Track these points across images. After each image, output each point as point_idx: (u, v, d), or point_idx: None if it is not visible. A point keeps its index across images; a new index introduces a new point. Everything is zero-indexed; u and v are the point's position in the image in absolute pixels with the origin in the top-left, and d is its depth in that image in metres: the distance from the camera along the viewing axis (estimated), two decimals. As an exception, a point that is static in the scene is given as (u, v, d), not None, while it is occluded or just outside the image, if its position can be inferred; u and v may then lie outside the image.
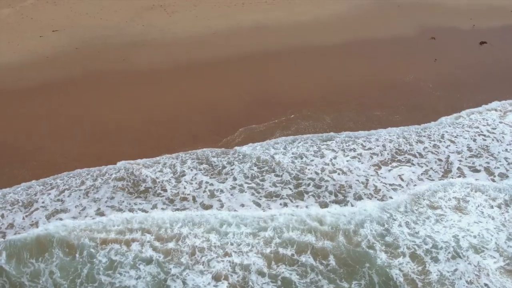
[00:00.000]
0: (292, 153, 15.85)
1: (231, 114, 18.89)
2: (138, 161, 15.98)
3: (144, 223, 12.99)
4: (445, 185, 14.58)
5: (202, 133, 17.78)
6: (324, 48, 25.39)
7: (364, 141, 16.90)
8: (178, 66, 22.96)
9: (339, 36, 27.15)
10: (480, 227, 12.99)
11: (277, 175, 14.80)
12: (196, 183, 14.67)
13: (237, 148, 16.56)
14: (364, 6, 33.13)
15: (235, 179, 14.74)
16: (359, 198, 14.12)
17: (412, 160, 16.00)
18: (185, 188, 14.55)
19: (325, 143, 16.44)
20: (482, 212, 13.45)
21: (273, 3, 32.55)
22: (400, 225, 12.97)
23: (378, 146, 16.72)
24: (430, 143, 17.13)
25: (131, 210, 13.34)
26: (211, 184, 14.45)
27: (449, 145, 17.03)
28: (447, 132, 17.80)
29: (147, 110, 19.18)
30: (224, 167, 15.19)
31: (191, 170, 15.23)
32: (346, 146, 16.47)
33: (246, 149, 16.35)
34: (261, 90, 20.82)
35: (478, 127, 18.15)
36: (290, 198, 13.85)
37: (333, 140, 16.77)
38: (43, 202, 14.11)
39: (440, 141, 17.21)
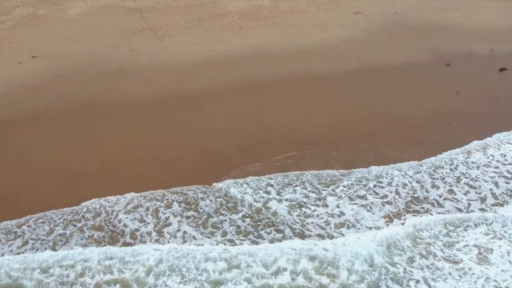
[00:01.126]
0: (291, 200, 15.68)
1: (226, 152, 18.86)
2: (119, 205, 15.82)
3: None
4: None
5: (192, 174, 17.71)
6: (329, 76, 25.65)
7: (375, 185, 16.79)
8: (168, 97, 23.05)
9: (346, 63, 27.48)
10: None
11: (277, 230, 14.50)
12: (180, 236, 14.40)
13: (230, 191, 16.44)
14: (371, 28, 33.76)
15: (225, 233, 14.50)
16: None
17: (431, 210, 15.84)
18: (169, 241, 14.28)
19: (327, 188, 16.29)
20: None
21: (273, 26, 33.14)
22: None
23: (391, 192, 16.58)
24: (445, 187, 17.03)
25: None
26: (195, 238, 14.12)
27: (468, 191, 16.93)
28: (464, 174, 17.73)
29: (132, 148, 19.14)
30: (211, 216, 14.99)
31: (175, 216, 15.03)
32: (353, 191, 16.35)
33: (238, 193, 16.22)
34: (260, 124, 20.85)
35: (498, 167, 18.12)
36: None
37: (339, 184, 16.66)
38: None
39: (457, 185, 17.11)
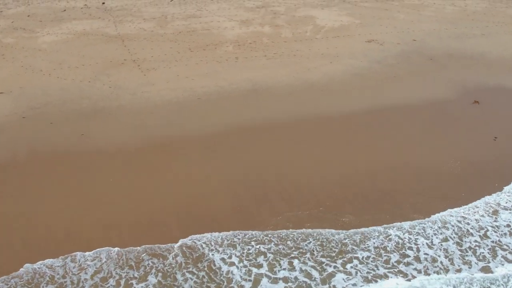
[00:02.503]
0: (288, 280, 14.87)
1: (217, 214, 18.29)
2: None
3: None
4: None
5: (173, 241, 17.05)
6: (340, 118, 25.35)
7: (398, 261, 16.09)
8: (151, 143, 22.67)
9: (358, 101, 27.28)
10: None
11: None
12: None
13: (215, 260, 15.78)
14: (388, 59, 33.84)
15: None
16: None
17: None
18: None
19: (334, 263, 15.56)
20: None
21: (275, 57, 33.23)
22: None
23: (418, 271, 15.90)
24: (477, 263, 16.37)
25: None
26: None
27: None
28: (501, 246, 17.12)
29: (105, 208, 18.59)
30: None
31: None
32: (370, 268, 15.61)
33: (224, 264, 15.56)
34: (259, 178, 20.36)
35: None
36: None
37: (351, 255, 16.00)
38: None
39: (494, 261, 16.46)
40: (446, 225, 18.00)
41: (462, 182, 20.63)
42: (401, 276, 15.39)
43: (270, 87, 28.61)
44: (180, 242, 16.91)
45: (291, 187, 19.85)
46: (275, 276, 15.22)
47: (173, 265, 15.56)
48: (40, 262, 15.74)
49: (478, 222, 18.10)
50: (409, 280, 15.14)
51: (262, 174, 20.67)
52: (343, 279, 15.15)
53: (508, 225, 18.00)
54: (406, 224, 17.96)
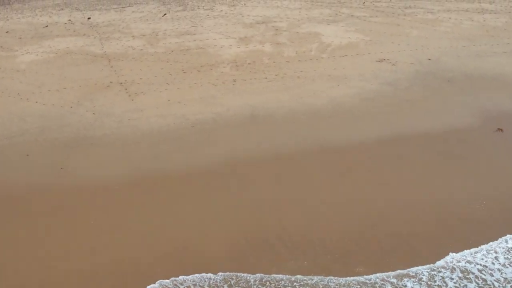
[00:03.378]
0: None
1: (210, 261, 17.65)
2: None
3: None
4: None
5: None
6: (348, 148, 24.92)
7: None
8: (137, 180, 22.20)
9: (368, 129, 26.86)
10: None
11: None
12: None
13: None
14: (401, 81, 33.54)
15: None
16: None
17: None
18: None
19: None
20: None
21: (276, 79, 32.96)
22: None
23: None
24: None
25: None
26: None
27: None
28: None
29: (84, 255, 17.97)
30: None
31: None
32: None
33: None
34: (258, 219, 19.86)
35: None
36: None
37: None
38: None
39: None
40: (468, 276, 17.35)
41: (485, 223, 20.01)
42: None
43: (271, 114, 28.20)
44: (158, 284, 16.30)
45: (295, 231, 19.25)
46: None
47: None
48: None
49: (502, 273, 17.45)
50: None
51: (262, 215, 20.13)
52: None
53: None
54: (425, 274, 17.29)
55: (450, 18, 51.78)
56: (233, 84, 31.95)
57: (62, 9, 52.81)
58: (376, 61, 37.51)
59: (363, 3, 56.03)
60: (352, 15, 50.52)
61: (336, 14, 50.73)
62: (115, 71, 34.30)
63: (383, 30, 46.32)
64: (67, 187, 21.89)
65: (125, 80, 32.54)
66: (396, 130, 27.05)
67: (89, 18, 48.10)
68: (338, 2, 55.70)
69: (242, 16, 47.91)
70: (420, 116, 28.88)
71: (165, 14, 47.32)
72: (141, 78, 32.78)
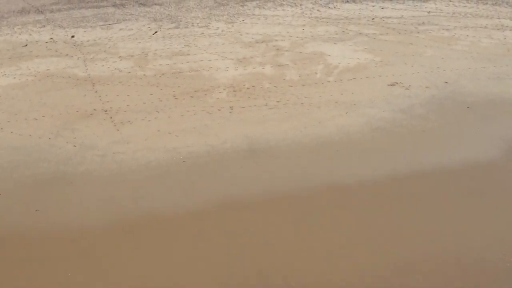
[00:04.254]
0: None
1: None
2: None
3: None
4: None
5: None
6: (359, 188, 24.50)
7: None
8: (122, 224, 21.78)
9: (381, 165, 26.48)
10: None
11: None
12: None
13: None
14: (416, 108, 33.23)
15: None
16: None
17: None
18: None
19: None
20: None
21: (278, 106, 32.68)
22: None
23: None
24: None
25: None
26: None
27: None
28: None
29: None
30: None
31: None
32: None
33: None
34: (255, 269, 19.12)
35: None
36: None
37: None
38: None
39: None
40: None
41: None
42: None
43: (272, 147, 27.74)
44: None
45: (298, 281, 18.59)
46: None
47: None
48: None
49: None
50: None
51: (262, 262, 19.37)
52: None
53: None
54: None
55: (467, 35, 51.63)
56: (230, 112, 31.55)
57: (44, 26, 52.78)
58: (388, 84, 37.18)
59: (372, 19, 56.10)
60: (360, 33, 50.50)
61: (343, 31, 50.71)
62: (100, 96, 33.96)
63: (394, 49, 46.14)
64: (42, 233, 21.35)
65: (111, 107, 32.15)
66: (411, 165, 26.44)
67: (72, 36, 48.01)
68: (345, 18, 55.76)
69: (241, 35, 47.87)
70: (438, 149, 28.32)
71: (156, 32, 47.28)
72: (128, 105, 32.39)
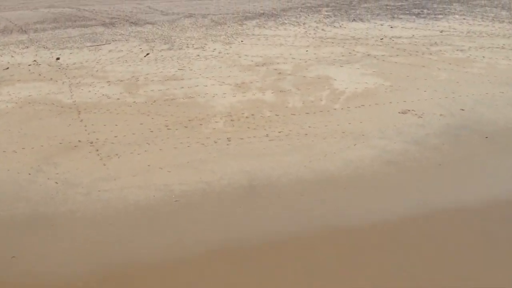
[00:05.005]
0: None
1: None
2: None
3: None
4: None
5: None
6: (366, 228, 23.89)
7: None
8: (108, 273, 21.19)
9: (394, 203, 25.95)
10: None
11: None
12: None
13: None
14: (430, 138, 32.84)
15: None
16: None
17: None
18: None
19: None
20: None
21: (280, 138, 32.30)
22: None
23: None
24: None
25: None
26: None
27: None
28: None
29: None
30: None
31: None
32: None
33: None
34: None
35: None
36: None
37: None
38: None
39: None
40: None
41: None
42: None
43: (273, 184, 27.25)
44: None
45: None
46: None
47: None
48: None
49: None
50: None
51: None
52: None
53: None
54: None
55: (483, 57, 51.46)
56: (228, 145, 31.12)
57: (27, 47, 52.69)
58: (399, 112, 36.78)
59: (381, 39, 56.09)
60: (368, 54, 50.38)
61: (350, 53, 50.61)
62: (85, 126, 33.57)
63: (405, 72, 45.90)
64: (18, 283, 20.76)
65: (97, 139, 31.70)
66: (426, 204, 25.84)
67: (58, 59, 47.91)
68: (351, 39, 55.73)
69: (239, 57, 47.74)
70: (454, 185, 27.77)
71: (147, 54, 47.19)
72: (116, 136, 31.96)
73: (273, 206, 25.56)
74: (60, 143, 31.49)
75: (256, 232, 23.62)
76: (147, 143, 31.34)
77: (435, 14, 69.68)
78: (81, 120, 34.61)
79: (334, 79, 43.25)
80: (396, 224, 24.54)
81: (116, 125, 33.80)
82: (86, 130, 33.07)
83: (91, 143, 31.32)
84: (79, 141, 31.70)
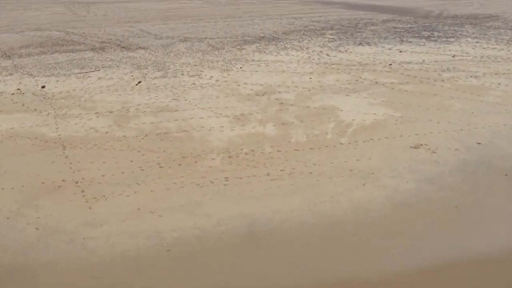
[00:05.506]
0: None
1: None
2: None
3: None
4: None
5: None
6: (377, 283, 23.02)
7: None
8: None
9: (404, 252, 25.16)
10: None
11: None
12: None
13: None
14: (445, 177, 32.36)
15: None
16: None
17: None
18: None
19: None
20: None
21: (281, 176, 31.79)
22: None
23: None
24: None
25: None
26: None
27: None
28: None
29: None
30: None
31: None
32: None
33: None
34: None
35: None
36: None
37: None
38: None
39: None
40: None
41: None
42: None
43: (274, 229, 26.48)
44: None
45: None
46: None
47: None
48: None
49: None
50: None
51: None
52: None
53: None
54: None
55: (499, 84, 51.15)
56: (225, 185, 30.39)
57: (11, 73, 52.26)
58: (411, 147, 36.25)
59: (390, 65, 55.86)
60: (376, 82, 50.06)
61: (357, 80, 50.28)
62: (71, 163, 32.83)
63: (416, 102, 45.49)
64: None
65: (82, 178, 30.93)
66: (443, 253, 24.97)
67: (43, 87, 47.48)
68: (358, 64, 55.41)
69: (238, 85, 47.32)
70: (474, 230, 27.03)
71: (139, 82, 46.76)
72: (103, 175, 31.19)
73: (275, 256, 24.78)
74: (43, 183, 30.70)
75: (257, 287, 22.82)
76: (137, 183, 30.57)
77: (446, 37, 69.57)
78: (66, 157, 33.87)
79: (340, 110, 42.79)
80: (409, 277, 23.79)
81: (104, 162, 33.07)
82: (71, 168, 32.30)
83: (76, 182, 30.55)
84: (63, 180, 30.91)
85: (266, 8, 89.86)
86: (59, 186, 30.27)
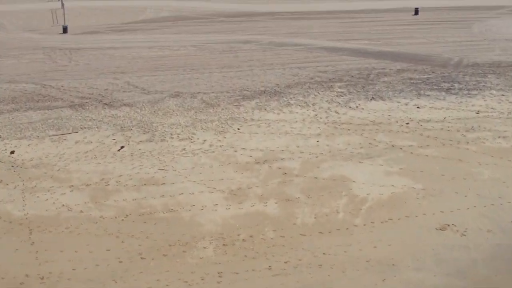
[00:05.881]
0: None
1: None
2: None
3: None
4: None
5: None
6: None
7: None
8: None
9: None
10: None
11: None
12: None
13: None
14: (478, 267, 30.76)
15: None
16: None
17: None
18: None
19: None
20: None
21: (285, 271, 29.92)
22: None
23: None
24: None
25: None
26: None
27: None
28: None
29: None
30: None
31: None
32: None
33: None
34: None
35: None
36: None
37: None
38: None
39: None
40: None
41: None
42: None
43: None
44: None
45: None
46: None
47: None
48: None
49: None
50: None
51: None
52: None
53: None
54: None
55: (531, 145, 49.93)
56: (218, 283, 28.47)
57: (-24, 136, 50.69)
58: (437, 228, 34.50)
59: (407, 123, 54.43)
60: (393, 145, 48.52)
61: (370, 143, 48.73)
62: (37, 252, 31.19)
63: (439, 170, 43.88)
64: None
65: (50, 273, 29.12)
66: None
67: (12, 152, 46.03)
68: (371, 123, 53.88)
69: (235, 151, 45.78)
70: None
71: (122, 147, 45.29)
72: (74, 269, 29.46)
73: None
74: (2, 278, 28.89)
75: None
76: (113, 279, 28.77)
77: (468, 90, 68.31)
78: (32, 243, 32.19)
79: (353, 181, 41.19)
80: None
81: (75, 251, 31.34)
82: (37, 259, 30.63)
83: (42, 278, 28.89)
84: (27, 275, 29.19)
85: (267, 56, 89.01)
86: (20, 284, 28.55)
